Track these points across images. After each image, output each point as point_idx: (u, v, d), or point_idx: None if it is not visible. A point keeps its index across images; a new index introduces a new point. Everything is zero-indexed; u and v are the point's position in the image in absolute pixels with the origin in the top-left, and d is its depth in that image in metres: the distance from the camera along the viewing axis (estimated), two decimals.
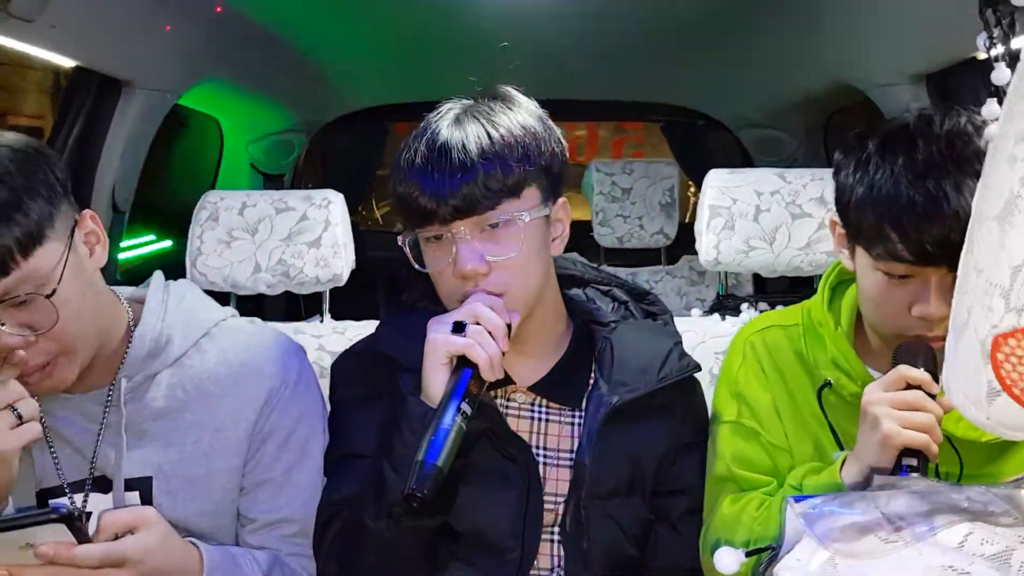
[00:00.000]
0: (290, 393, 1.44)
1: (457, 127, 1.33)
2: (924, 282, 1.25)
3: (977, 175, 1.14)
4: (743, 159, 3.95)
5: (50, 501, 1.14)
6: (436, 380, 1.28)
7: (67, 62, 2.04)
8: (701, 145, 4.16)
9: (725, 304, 2.29)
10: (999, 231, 0.68)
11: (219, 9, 2.30)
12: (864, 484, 1.22)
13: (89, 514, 1.37)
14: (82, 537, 1.14)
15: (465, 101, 1.40)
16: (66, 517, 1.11)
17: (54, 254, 1.23)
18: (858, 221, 1.29)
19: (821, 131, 3.62)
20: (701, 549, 1.43)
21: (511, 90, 1.42)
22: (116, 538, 1.19)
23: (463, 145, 1.31)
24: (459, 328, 1.29)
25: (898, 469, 1.20)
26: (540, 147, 1.36)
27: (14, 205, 1.19)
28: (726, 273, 2.34)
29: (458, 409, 1.22)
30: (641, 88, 3.80)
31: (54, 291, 1.22)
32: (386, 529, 1.31)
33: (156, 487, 1.38)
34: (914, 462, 1.19)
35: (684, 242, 3.51)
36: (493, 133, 1.32)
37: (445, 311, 1.36)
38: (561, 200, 1.43)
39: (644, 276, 3.78)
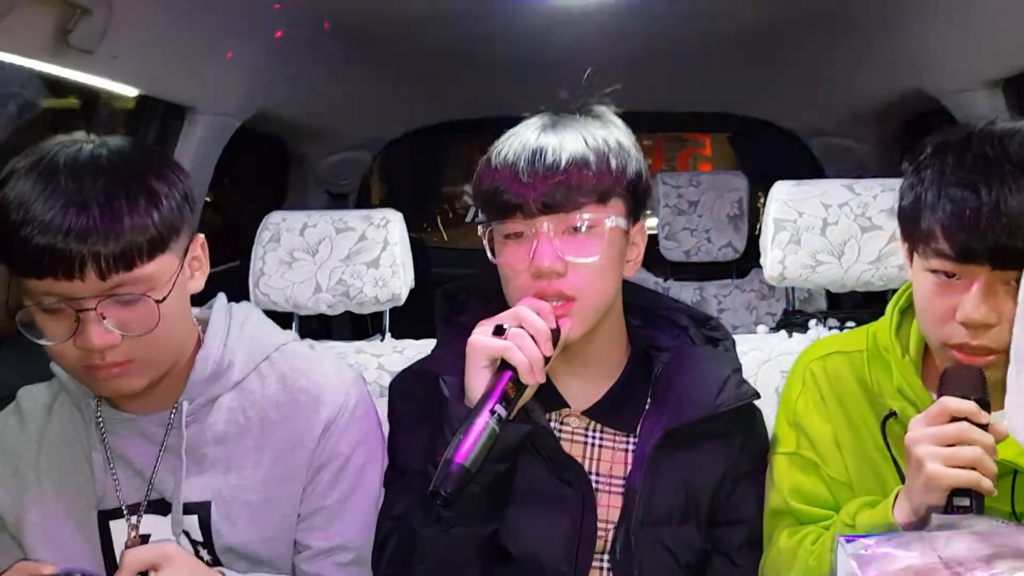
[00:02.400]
0: (347, 420, 1.44)
1: (552, 132, 1.36)
2: (969, 285, 1.20)
3: None
4: (813, 169, 3.85)
5: (62, 568, 1.15)
6: (476, 383, 1.28)
7: (130, 91, 2.07)
8: (770, 155, 4.07)
9: (792, 320, 2.22)
10: None
11: (279, 33, 2.32)
12: (920, 523, 1.16)
13: (147, 537, 1.38)
14: None
15: (556, 114, 1.42)
16: None
17: (170, 265, 1.28)
18: (909, 221, 1.27)
19: (895, 140, 3.51)
20: None
21: (605, 108, 1.44)
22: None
23: (559, 146, 1.33)
24: (501, 331, 1.29)
25: (951, 509, 1.12)
26: (630, 164, 1.38)
27: (155, 204, 1.24)
28: (793, 288, 2.28)
29: (492, 411, 1.22)
30: (708, 98, 3.74)
31: (164, 298, 1.25)
32: (435, 536, 1.30)
33: (215, 512, 1.38)
34: (966, 502, 1.11)
35: (754, 255, 3.42)
36: (589, 140, 1.35)
37: None
38: (640, 224, 1.43)
39: (712, 290, 3.71)
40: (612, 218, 1.35)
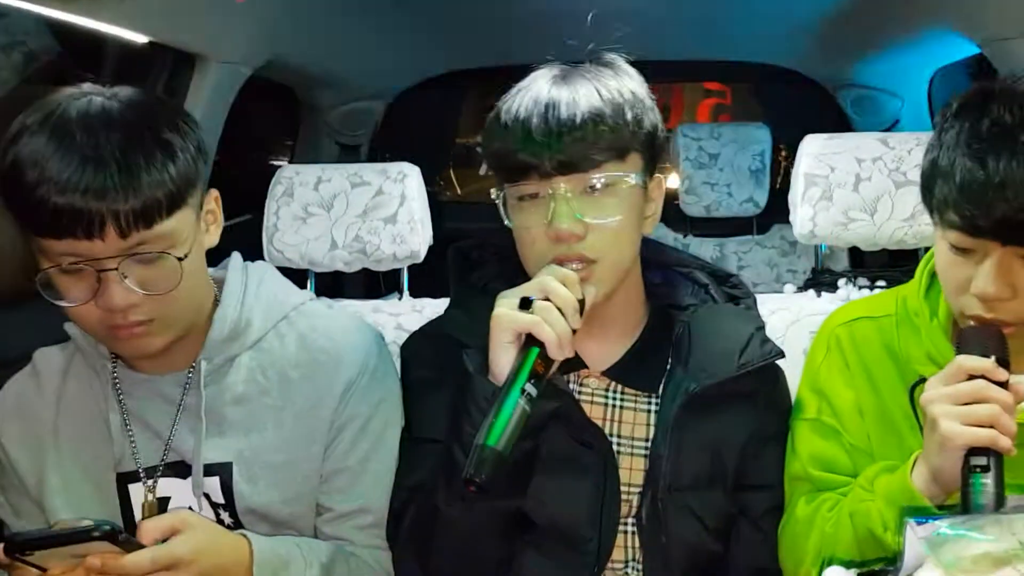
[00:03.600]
0: (368, 380, 1.42)
1: (564, 85, 1.30)
2: (984, 257, 1.16)
3: None
4: (839, 121, 3.76)
5: (94, 520, 1.12)
6: (502, 359, 1.23)
7: (139, 38, 2.02)
8: (795, 107, 3.98)
9: (821, 279, 2.17)
10: None
11: None
12: (939, 489, 1.14)
13: (166, 499, 1.38)
14: (131, 547, 1.13)
15: (566, 65, 1.36)
16: (109, 534, 1.09)
17: (188, 220, 1.26)
18: (925, 187, 1.23)
19: (925, 90, 3.42)
20: (779, 548, 1.38)
21: (617, 57, 1.37)
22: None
23: (572, 100, 1.27)
24: (527, 304, 1.22)
25: (968, 471, 1.09)
26: (646, 116, 1.32)
27: (171, 157, 1.21)
28: (821, 246, 2.22)
29: (522, 390, 1.17)
30: (730, 46, 3.64)
31: (186, 255, 1.24)
32: (460, 513, 1.27)
33: (236, 473, 1.37)
34: (983, 460, 1.09)
35: (776, 210, 3.36)
36: (603, 92, 1.28)
37: None
38: (657, 178, 1.38)
39: (732, 247, 3.65)
40: (632, 175, 1.30)
